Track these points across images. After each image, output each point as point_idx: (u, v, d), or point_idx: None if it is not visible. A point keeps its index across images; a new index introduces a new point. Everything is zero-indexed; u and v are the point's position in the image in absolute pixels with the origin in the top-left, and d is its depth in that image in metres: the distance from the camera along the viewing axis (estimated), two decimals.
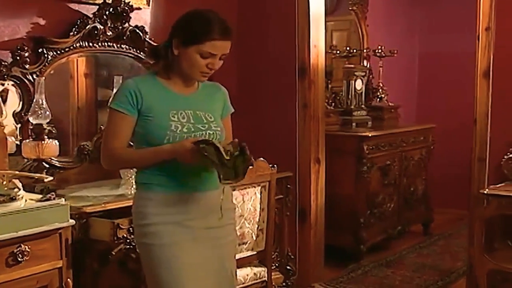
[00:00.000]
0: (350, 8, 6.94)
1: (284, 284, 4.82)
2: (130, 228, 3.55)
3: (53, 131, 4.07)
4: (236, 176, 2.76)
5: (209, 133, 2.92)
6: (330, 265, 5.69)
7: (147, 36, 4.63)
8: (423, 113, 8.00)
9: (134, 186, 4.01)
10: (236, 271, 3.17)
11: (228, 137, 3.07)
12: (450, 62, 7.71)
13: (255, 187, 4.07)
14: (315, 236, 5.37)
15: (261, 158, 4.09)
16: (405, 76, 8.06)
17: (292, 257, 4.91)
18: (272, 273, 4.60)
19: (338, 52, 6.85)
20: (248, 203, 4.04)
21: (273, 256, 4.66)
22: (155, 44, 3.13)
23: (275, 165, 4.18)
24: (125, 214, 3.61)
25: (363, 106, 6.64)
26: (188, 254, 2.88)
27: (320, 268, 5.48)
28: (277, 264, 4.76)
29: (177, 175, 2.87)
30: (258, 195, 4.09)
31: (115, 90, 4.50)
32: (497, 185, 4.43)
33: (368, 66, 7.04)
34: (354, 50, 6.80)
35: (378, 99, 6.96)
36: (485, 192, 4.32)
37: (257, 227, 4.12)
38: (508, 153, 4.55)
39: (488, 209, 4.28)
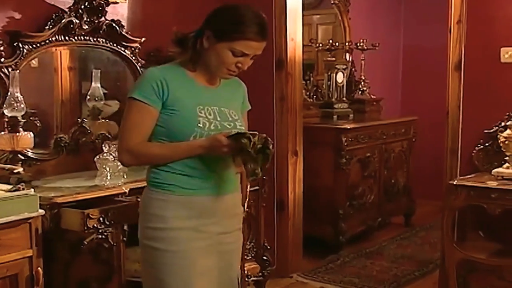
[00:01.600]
0: (332, 2, 6.99)
1: (260, 274, 4.89)
2: (101, 218, 3.61)
3: (38, 124, 4.15)
4: (261, 171, 2.69)
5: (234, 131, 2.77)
6: (310, 256, 5.78)
7: (124, 30, 4.69)
8: (407, 106, 8.07)
9: (107, 175, 4.13)
10: (239, 278, 3.03)
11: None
12: (434, 55, 7.74)
13: None
14: (293, 227, 5.44)
15: None
16: (389, 69, 8.12)
17: (269, 247, 4.96)
18: (249, 264, 4.70)
19: (320, 45, 6.91)
20: None
21: (249, 247, 4.75)
22: (184, 33, 2.88)
23: None
24: (97, 205, 3.70)
25: (344, 99, 6.70)
26: (200, 262, 2.77)
27: (298, 259, 5.56)
28: (253, 255, 4.83)
29: (199, 176, 2.75)
30: None
31: (93, 84, 4.60)
32: (467, 176, 4.50)
33: (350, 59, 7.09)
34: (337, 44, 6.84)
35: (360, 92, 7.01)
36: (455, 183, 4.38)
37: None
38: (479, 145, 4.62)
39: (457, 199, 4.35)
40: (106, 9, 4.54)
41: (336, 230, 5.96)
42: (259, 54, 2.75)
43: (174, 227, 2.73)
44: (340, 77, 6.57)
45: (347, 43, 7.02)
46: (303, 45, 5.62)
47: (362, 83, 7.01)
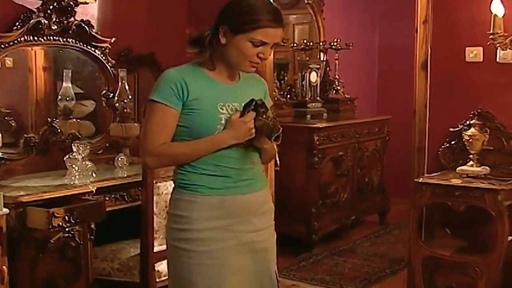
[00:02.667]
0: (306, 2, 7.03)
1: None
2: (66, 217, 3.64)
3: (12, 124, 4.20)
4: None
5: None
6: (283, 255, 5.75)
7: (93, 30, 4.72)
8: (383, 105, 8.12)
9: (76, 175, 4.16)
10: (277, 274, 2.98)
11: None
12: (409, 54, 7.78)
13: None
14: None
15: None
16: (365, 68, 8.18)
17: None
18: None
19: (295, 45, 6.95)
20: None
21: None
22: (198, 33, 2.84)
23: None
24: (65, 204, 3.73)
25: (318, 98, 6.74)
26: (231, 262, 2.73)
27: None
28: None
29: (224, 175, 2.72)
30: None
31: (64, 84, 4.63)
32: (433, 174, 4.55)
33: (324, 59, 7.13)
34: (311, 43, 6.89)
35: (334, 91, 7.06)
36: (420, 181, 4.44)
37: None
38: (446, 143, 4.68)
39: (422, 197, 4.40)
40: (76, 9, 4.58)
41: (309, 229, 6.00)
42: (278, 42, 2.75)
43: (201, 228, 2.70)
44: (313, 77, 6.61)
45: (321, 43, 7.05)
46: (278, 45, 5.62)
47: (336, 82, 7.06)
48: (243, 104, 2.71)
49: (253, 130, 2.66)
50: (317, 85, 6.69)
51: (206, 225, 2.70)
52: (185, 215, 2.72)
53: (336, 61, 7.05)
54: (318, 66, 6.73)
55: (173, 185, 3.91)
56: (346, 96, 7.13)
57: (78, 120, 4.76)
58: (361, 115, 7.25)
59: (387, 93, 8.18)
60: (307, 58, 6.77)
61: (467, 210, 4.32)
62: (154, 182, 3.92)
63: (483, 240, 4.47)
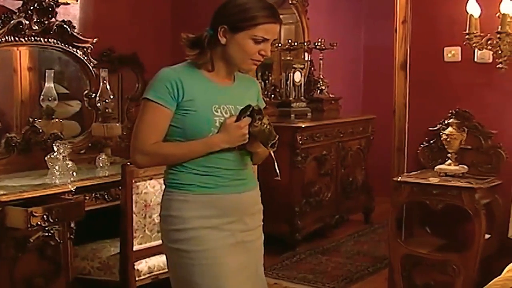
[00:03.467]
0: (290, 2, 7.05)
1: None
2: (44, 216, 3.66)
3: None
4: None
5: None
6: (267, 253, 5.73)
7: (75, 31, 4.74)
8: (368, 105, 8.15)
9: (56, 174, 4.18)
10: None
11: None
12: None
13: None
14: None
15: None
16: (351, 68, 8.22)
17: None
18: None
19: (279, 45, 6.97)
20: None
21: None
22: (192, 35, 2.78)
23: None
24: (43, 203, 3.75)
25: (302, 98, 6.76)
26: (229, 260, 2.71)
27: None
28: None
29: (216, 174, 2.71)
30: None
31: (47, 84, 4.65)
32: (411, 173, 4.60)
33: (309, 59, 7.16)
34: (296, 43, 6.92)
35: (318, 91, 7.09)
36: (398, 179, 4.48)
37: None
38: (424, 142, 4.72)
39: (401, 196, 4.45)
40: (57, 10, 4.61)
41: (292, 228, 6.02)
42: (276, 38, 2.71)
43: (196, 227, 2.68)
44: (297, 77, 6.64)
45: (305, 43, 7.09)
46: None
47: (321, 82, 7.08)
48: (237, 107, 2.70)
49: (247, 136, 2.65)
50: (301, 85, 6.72)
51: (199, 223, 2.68)
52: (178, 215, 2.71)
53: (321, 61, 7.07)
54: (302, 66, 6.76)
55: (154, 185, 4.03)
56: (331, 95, 7.16)
57: (61, 120, 4.77)
58: (346, 114, 7.26)
59: (373, 92, 8.21)
60: (291, 58, 6.80)
61: (446, 209, 4.36)
62: (133, 181, 3.95)
63: (462, 238, 4.51)
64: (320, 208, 6.37)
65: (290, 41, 6.95)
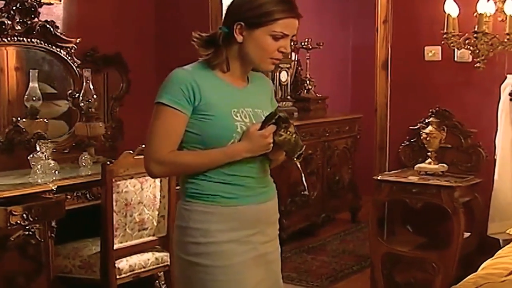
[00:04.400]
0: None
1: None
2: (24, 214, 3.68)
3: None
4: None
5: None
6: None
7: (58, 31, 4.76)
8: (356, 104, 8.17)
9: (39, 173, 4.20)
10: None
11: None
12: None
13: None
14: None
15: None
16: (339, 67, 8.24)
17: None
18: None
19: None
20: (147, 190, 4.17)
21: None
22: (205, 34, 2.61)
23: None
24: (25, 202, 3.77)
25: (289, 97, 6.79)
26: (250, 275, 2.56)
27: None
28: None
29: (239, 183, 2.53)
30: (158, 183, 4.23)
31: (31, 84, 4.66)
32: (392, 172, 4.63)
33: (296, 58, 7.18)
34: None
35: (305, 91, 7.12)
36: (379, 178, 4.51)
37: (158, 214, 4.26)
38: (405, 141, 4.75)
39: (381, 194, 4.48)
40: (39, 10, 4.62)
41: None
42: (295, 34, 2.58)
43: (219, 241, 2.50)
44: (284, 76, 6.66)
45: (292, 43, 7.09)
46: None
47: (308, 81, 7.11)
48: (256, 110, 2.57)
49: (271, 146, 2.46)
50: (287, 84, 6.74)
51: (223, 237, 2.51)
52: (200, 228, 2.51)
53: (308, 60, 7.10)
54: (288, 66, 6.78)
55: (135, 183, 4.06)
56: (318, 95, 7.18)
57: (46, 120, 4.78)
58: (334, 114, 7.29)
59: (361, 92, 8.20)
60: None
61: (426, 208, 4.40)
62: (114, 180, 3.98)
63: (442, 236, 4.55)
64: (305, 207, 6.38)
65: None
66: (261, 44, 2.49)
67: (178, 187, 4.34)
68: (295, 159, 2.51)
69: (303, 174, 2.61)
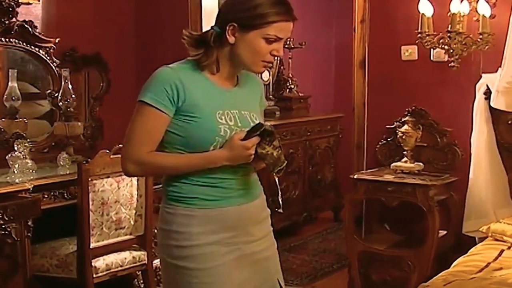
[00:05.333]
0: None
1: None
2: None
3: None
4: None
5: None
6: None
7: (37, 31, 4.77)
8: (340, 103, 8.16)
9: (16, 173, 4.21)
10: (281, 283, 2.76)
11: None
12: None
13: None
14: None
15: None
16: (322, 67, 8.25)
17: None
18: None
19: None
20: (124, 189, 4.19)
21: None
22: (195, 33, 2.55)
23: None
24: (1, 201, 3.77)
25: (271, 96, 6.81)
26: (232, 277, 2.53)
27: None
28: None
29: (221, 185, 2.50)
30: (135, 182, 4.25)
31: (10, 84, 4.67)
32: (368, 170, 4.66)
33: (278, 57, 7.17)
34: None
35: (288, 90, 7.14)
36: (355, 177, 4.54)
37: (135, 213, 4.27)
38: (382, 140, 4.78)
39: (357, 193, 4.51)
40: (18, 10, 4.62)
41: None
42: (289, 36, 2.50)
43: (201, 244, 2.48)
44: (265, 76, 6.68)
45: None
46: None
47: (290, 81, 7.13)
48: (242, 112, 2.52)
49: (252, 157, 2.42)
50: (269, 83, 6.77)
51: (206, 239, 2.49)
52: (182, 231, 2.49)
53: (290, 60, 7.13)
54: (271, 65, 6.78)
55: (111, 183, 4.08)
56: (300, 94, 7.20)
57: (25, 120, 4.78)
58: (317, 113, 7.29)
59: (343, 91, 8.21)
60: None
61: (403, 206, 4.43)
62: (90, 179, 3.99)
63: (418, 234, 4.57)
64: (287, 206, 6.35)
65: None
66: (254, 46, 2.44)
67: (155, 187, 4.45)
68: (274, 173, 2.48)
69: (280, 191, 2.56)
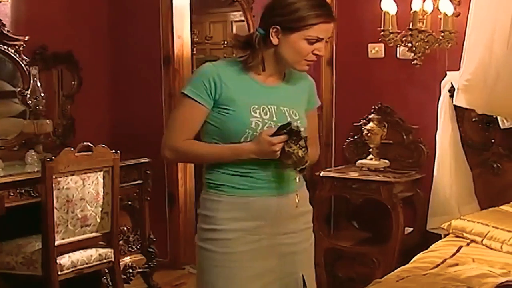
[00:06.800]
0: (234, 0, 7.11)
1: (147, 265, 5.02)
2: None
3: None
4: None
5: None
6: None
7: (6, 29, 4.78)
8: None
9: None
10: (305, 279, 2.75)
11: (311, 135, 2.75)
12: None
13: (96, 172, 4.23)
14: (185, 220, 5.57)
15: (102, 145, 4.27)
16: None
17: (155, 239, 5.08)
18: (134, 256, 4.84)
19: (225, 42, 7.05)
20: (90, 187, 4.20)
21: (133, 239, 4.90)
22: (242, 36, 2.70)
23: (118, 151, 4.33)
24: None
25: None
26: (251, 265, 2.61)
27: (191, 251, 5.64)
28: (138, 247, 4.97)
29: (252, 175, 2.59)
30: (101, 180, 4.26)
31: None
32: (333, 168, 4.68)
33: None
34: (226, 42, 6.97)
35: None
36: (321, 174, 4.56)
37: (102, 210, 4.29)
38: (350, 137, 4.80)
39: (323, 190, 4.53)
40: None
41: None
42: (331, 36, 2.59)
43: (225, 229, 2.59)
44: None
45: None
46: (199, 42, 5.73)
47: None
48: (281, 108, 2.60)
49: (278, 154, 2.47)
50: None
51: (229, 226, 2.59)
52: (210, 215, 2.62)
53: None
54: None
55: (76, 180, 4.10)
56: None
57: None
58: None
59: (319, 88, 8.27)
60: (234, 55, 6.84)
61: (369, 203, 4.45)
62: (54, 177, 4.00)
63: (385, 231, 4.58)
64: None
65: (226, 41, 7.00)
66: (296, 47, 2.53)
67: (122, 185, 4.47)
68: (297, 171, 2.53)
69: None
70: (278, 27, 2.53)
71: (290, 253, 2.68)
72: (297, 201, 2.61)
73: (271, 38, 2.55)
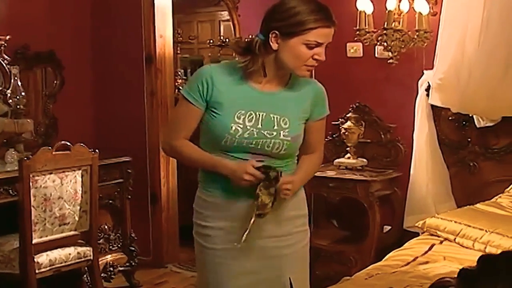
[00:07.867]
0: None
1: (128, 264, 5.04)
2: None
3: None
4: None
5: (274, 142, 2.60)
6: (189, 247, 5.87)
7: None
8: None
9: None
10: (292, 282, 2.76)
11: (316, 144, 2.91)
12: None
13: (74, 170, 4.25)
14: (168, 219, 5.59)
15: (81, 144, 4.29)
16: None
17: (136, 238, 5.10)
18: (115, 254, 4.85)
19: (211, 41, 7.07)
20: (68, 185, 4.22)
21: (114, 238, 4.91)
22: (242, 42, 2.70)
23: (96, 150, 4.35)
24: None
25: None
26: (233, 263, 2.68)
27: (175, 250, 5.70)
28: (119, 245, 4.98)
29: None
30: (79, 178, 4.28)
31: None
32: None
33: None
34: (227, 40, 7.00)
35: None
36: None
37: (80, 209, 4.31)
38: (328, 136, 4.82)
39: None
40: None
41: None
42: (331, 41, 2.60)
43: (212, 226, 2.69)
44: None
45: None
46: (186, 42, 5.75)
47: None
48: (271, 115, 2.60)
49: (245, 184, 2.51)
50: None
51: (215, 223, 2.68)
52: (199, 211, 2.75)
53: None
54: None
55: (54, 179, 4.13)
56: None
57: None
58: None
59: None
60: (219, 54, 6.88)
61: (347, 202, 4.47)
62: (31, 175, 4.02)
63: (363, 230, 4.61)
64: None
65: (222, 37, 7.03)
66: (296, 52, 2.53)
67: (101, 184, 4.49)
68: (255, 214, 2.52)
69: (248, 230, 2.54)
70: (277, 32, 2.53)
71: (277, 256, 2.72)
72: (243, 238, 2.55)
73: (271, 43, 2.55)
